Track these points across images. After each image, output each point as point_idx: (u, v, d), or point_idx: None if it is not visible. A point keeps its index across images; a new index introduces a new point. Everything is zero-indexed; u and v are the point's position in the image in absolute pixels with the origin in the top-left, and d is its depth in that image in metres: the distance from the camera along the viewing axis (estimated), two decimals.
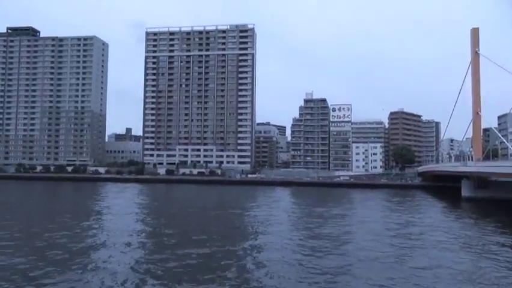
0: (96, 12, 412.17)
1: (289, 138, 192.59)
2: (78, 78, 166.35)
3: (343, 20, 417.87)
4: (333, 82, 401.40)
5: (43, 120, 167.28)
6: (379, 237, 35.56)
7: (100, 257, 27.00)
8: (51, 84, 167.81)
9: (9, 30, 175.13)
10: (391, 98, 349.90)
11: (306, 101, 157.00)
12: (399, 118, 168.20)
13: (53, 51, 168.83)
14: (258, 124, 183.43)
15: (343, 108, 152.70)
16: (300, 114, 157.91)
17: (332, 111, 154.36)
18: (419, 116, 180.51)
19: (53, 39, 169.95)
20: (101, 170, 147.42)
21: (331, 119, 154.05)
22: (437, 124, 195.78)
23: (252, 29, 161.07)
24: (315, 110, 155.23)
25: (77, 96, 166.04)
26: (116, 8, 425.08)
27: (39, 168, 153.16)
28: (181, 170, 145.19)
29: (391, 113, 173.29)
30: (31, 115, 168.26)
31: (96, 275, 22.57)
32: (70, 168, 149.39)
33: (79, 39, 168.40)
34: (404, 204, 69.03)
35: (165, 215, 51.33)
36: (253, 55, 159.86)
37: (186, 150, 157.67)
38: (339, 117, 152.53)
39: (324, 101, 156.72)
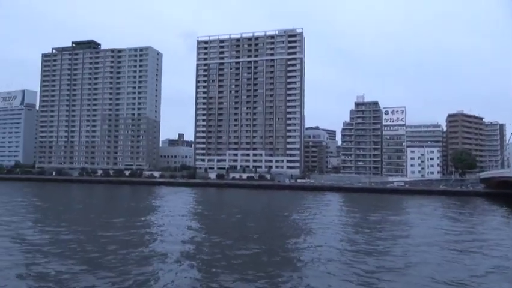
0: (151, 23, 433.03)
1: (339, 143, 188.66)
2: (135, 87, 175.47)
3: (393, 20, 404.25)
4: (384, 84, 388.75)
5: (103, 127, 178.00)
6: (432, 247, 33.57)
7: (152, 254, 28.07)
8: (111, 93, 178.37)
9: (73, 45, 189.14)
10: (447, 98, 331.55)
11: (357, 104, 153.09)
12: (459, 120, 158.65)
13: (112, 62, 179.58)
14: (307, 128, 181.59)
15: (396, 111, 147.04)
16: (350, 118, 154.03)
17: (385, 114, 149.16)
18: (481, 118, 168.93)
19: (112, 51, 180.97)
20: (156, 174, 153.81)
21: (384, 123, 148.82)
22: (501, 126, 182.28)
23: (301, 33, 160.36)
24: (366, 114, 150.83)
25: (133, 103, 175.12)
26: (169, 19, 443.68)
27: (99, 172, 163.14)
28: (231, 175, 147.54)
29: (449, 115, 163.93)
30: (92, 122, 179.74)
31: (146, 273, 23.45)
32: (127, 172, 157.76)
33: (135, 50, 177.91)
34: (465, 212, 64.73)
35: (216, 218, 52.22)
36: (301, 59, 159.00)
37: (236, 155, 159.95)
38: (392, 121, 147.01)
39: (376, 103, 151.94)
